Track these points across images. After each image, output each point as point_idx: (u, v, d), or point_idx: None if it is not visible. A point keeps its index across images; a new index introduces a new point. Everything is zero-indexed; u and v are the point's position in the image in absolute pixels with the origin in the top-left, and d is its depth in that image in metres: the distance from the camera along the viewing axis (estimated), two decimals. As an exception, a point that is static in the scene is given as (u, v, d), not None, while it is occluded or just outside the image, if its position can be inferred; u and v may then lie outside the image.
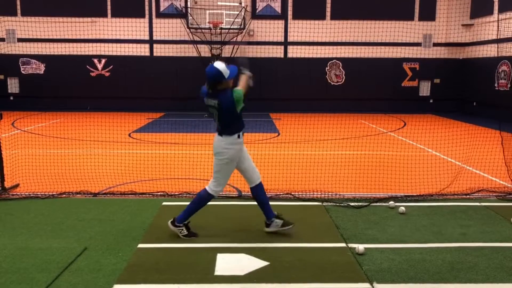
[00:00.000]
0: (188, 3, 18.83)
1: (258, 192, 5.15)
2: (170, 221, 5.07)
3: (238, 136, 4.90)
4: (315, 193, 6.80)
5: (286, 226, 5.17)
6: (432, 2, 19.69)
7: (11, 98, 19.78)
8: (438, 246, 4.91)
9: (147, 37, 19.73)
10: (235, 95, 4.76)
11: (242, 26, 18.66)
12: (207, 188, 5.02)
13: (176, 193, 6.73)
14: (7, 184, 7.10)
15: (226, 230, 5.28)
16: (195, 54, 18.88)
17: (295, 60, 19.81)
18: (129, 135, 12.89)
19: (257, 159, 8.56)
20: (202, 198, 5.03)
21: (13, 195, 6.68)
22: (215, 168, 5.00)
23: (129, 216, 5.77)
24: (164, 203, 6.29)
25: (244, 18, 18.65)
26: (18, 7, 19.33)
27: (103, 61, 19.76)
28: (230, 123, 4.88)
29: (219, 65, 4.77)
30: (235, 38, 18.85)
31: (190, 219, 5.09)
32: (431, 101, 20.43)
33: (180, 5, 19.18)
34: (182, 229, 5.02)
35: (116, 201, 6.42)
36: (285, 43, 20.02)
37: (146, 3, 19.52)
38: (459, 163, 9.10)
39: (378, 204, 6.34)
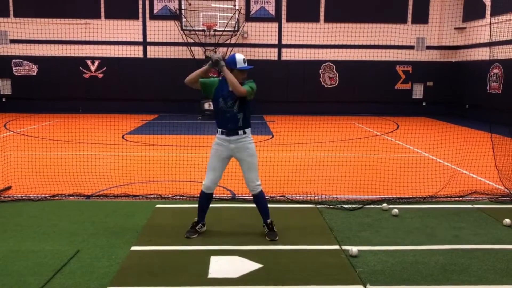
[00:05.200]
0: (182, 5, 18.81)
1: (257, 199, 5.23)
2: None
3: (219, 132, 5.03)
4: (309, 195, 6.81)
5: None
6: (425, 6, 19.81)
7: (3, 99, 19.64)
8: (431, 248, 4.93)
9: (140, 39, 19.68)
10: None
11: (236, 29, 18.67)
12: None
13: (169, 196, 6.71)
14: (-1, 186, 7.06)
15: (219, 233, 5.28)
16: (189, 56, 18.85)
17: (289, 62, 19.84)
18: (123, 137, 12.84)
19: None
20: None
21: (5, 197, 6.63)
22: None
23: (122, 219, 5.75)
24: (157, 206, 6.27)
25: (238, 21, 18.66)
26: (11, 8, 19.21)
27: (96, 62, 19.68)
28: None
29: (239, 55, 4.97)
30: (229, 40, 18.85)
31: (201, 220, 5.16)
32: (424, 103, 20.53)
33: (174, 7, 19.16)
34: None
35: (109, 204, 6.39)
36: (279, 46, 20.05)
37: (140, 5, 19.48)
38: (452, 166, 9.15)
39: (371, 206, 6.36)
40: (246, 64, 4.96)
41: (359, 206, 6.33)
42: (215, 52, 18.23)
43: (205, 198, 5.16)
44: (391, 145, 11.80)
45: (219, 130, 5.02)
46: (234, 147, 4.98)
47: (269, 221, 5.18)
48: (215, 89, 4.99)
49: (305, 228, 5.48)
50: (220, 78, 5.08)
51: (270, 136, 13.34)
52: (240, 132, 4.97)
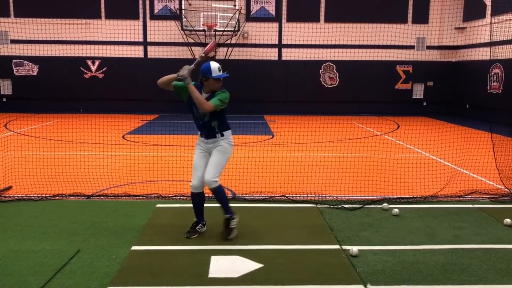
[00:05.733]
0: (182, 5, 18.82)
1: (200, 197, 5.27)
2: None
3: (199, 135, 5.17)
4: (309, 195, 6.80)
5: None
6: (425, 5, 19.81)
7: (4, 99, 19.65)
8: (431, 248, 4.93)
9: (141, 39, 19.68)
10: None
11: (236, 29, 18.67)
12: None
13: (170, 195, 6.72)
14: (0, 186, 7.06)
15: (220, 232, 5.28)
16: (189, 56, 18.85)
17: (289, 62, 19.84)
18: (123, 137, 12.85)
19: (251, 161, 8.58)
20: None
21: (5, 197, 6.63)
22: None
23: (122, 219, 5.75)
24: (158, 205, 6.27)
25: (238, 21, 18.67)
26: (11, 8, 19.22)
27: (96, 62, 19.69)
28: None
29: (214, 64, 4.94)
30: (229, 40, 18.86)
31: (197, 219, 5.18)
32: (424, 103, 20.53)
33: (174, 7, 19.17)
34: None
35: (109, 203, 6.39)
36: (279, 46, 20.05)
37: (140, 5, 19.48)
38: (452, 165, 9.15)
39: (371, 206, 6.36)
40: (221, 72, 4.92)
41: (360, 205, 6.33)
42: (216, 53, 18.25)
43: (196, 198, 5.17)
44: (392, 145, 11.80)
45: (199, 132, 5.15)
46: (212, 146, 5.07)
47: (227, 216, 5.11)
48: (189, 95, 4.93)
49: (305, 228, 5.48)
50: (197, 83, 4.99)
51: (271, 136, 13.34)
52: (218, 135, 5.03)
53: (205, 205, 5.26)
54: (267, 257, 4.63)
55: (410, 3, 19.87)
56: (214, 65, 4.91)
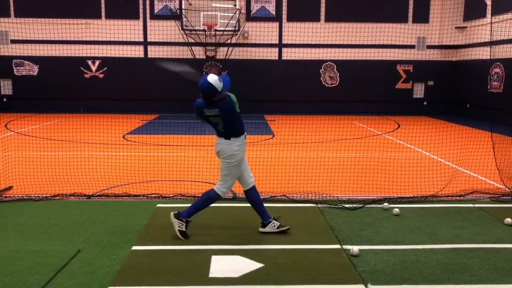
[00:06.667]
0: (183, 5, 18.81)
1: (253, 194, 5.21)
2: (173, 212, 5.11)
3: (244, 136, 5.08)
4: (309, 195, 6.80)
5: (282, 228, 5.22)
6: (426, 5, 19.79)
7: (4, 99, 19.65)
8: (432, 247, 4.93)
9: (141, 39, 19.68)
10: (232, 98, 4.91)
11: (236, 28, 18.66)
12: (215, 188, 5.10)
13: (170, 195, 6.72)
14: (0, 186, 7.06)
15: (220, 232, 5.28)
16: (189, 56, 18.85)
17: (290, 62, 19.83)
18: (123, 137, 12.85)
19: (252, 161, 8.57)
20: (210, 198, 5.13)
21: (6, 197, 6.63)
22: (224, 171, 5.07)
23: (123, 218, 5.75)
24: (158, 205, 6.28)
25: (238, 20, 18.66)
26: (11, 8, 19.22)
27: (97, 62, 19.69)
28: (235, 125, 4.99)
29: (212, 78, 4.78)
30: (230, 40, 18.85)
31: (192, 219, 5.15)
32: (425, 103, 20.52)
33: (174, 6, 19.17)
34: (182, 224, 5.05)
35: (110, 203, 6.40)
36: (280, 45, 20.04)
37: (141, 5, 19.47)
38: (453, 165, 9.14)
39: (372, 205, 6.36)
40: (221, 83, 4.83)
41: (360, 205, 6.33)
42: (216, 53, 18.29)
43: (215, 201, 5.24)
44: (392, 145, 11.79)
45: (244, 134, 5.14)
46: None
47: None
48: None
49: (306, 228, 5.48)
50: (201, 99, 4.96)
51: (271, 136, 13.34)
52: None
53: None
54: (267, 256, 4.63)
55: (411, 2, 19.85)
56: (213, 79, 4.75)
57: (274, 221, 5.25)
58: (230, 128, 4.98)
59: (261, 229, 5.26)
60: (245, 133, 5.11)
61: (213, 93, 4.78)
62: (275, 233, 5.20)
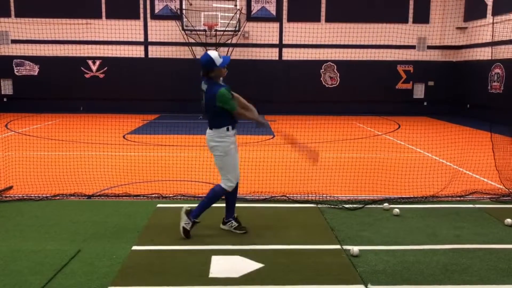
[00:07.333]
0: (183, 5, 18.81)
1: (233, 192, 5.23)
2: (187, 208, 5.08)
3: (227, 129, 4.95)
4: (310, 195, 6.80)
5: (239, 230, 5.27)
6: (426, 5, 19.79)
7: (5, 99, 19.67)
8: (432, 248, 4.92)
9: (142, 39, 19.69)
10: (218, 94, 4.84)
11: (237, 28, 18.67)
12: (221, 184, 5.08)
13: (170, 195, 6.71)
14: (0, 186, 7.06)
15: (220, 232, 5.28)
16: (190, 56, 18.86)
17: (290, 62, 19.84)
18: (124, 136, 12.85)
19: (252, 161, 8.57)
20: (217, 194, 5.10)
21: (6, 197, 6.63)
22: (217, 165, 5.07)
23: (123, 218, 5.75)
24: (158, 205, 6.27)
25: (239, 20, 18.66)
26: (12, 8, 19.23)
27: (97, 62, 19.70)
28: (214, 117, 4.96)
29: (212, 53, 4.94)
30: (230, 40, 18.86)
31: (200, 219, 5.16)
32: (425, 103, 20.52)
33: (175, 6, 19.17)
34: (189, 223, 5.04)
35: (110, 203, 6.39)
36: (280, 45, 20.05)
37: (141, 5, 19.49)
38: (453, 165, 9.14)
39: (372, 206, 6.35)
40: (222, 59, 4.91)
41: (360, 205, 6.33)
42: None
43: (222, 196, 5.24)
44: (392, 145, 11.79)
45: (227, 127, 5.03)
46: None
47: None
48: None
49: (306, 228, 5.47)
50: (203, 80, 5.02)
51: (271, 136, 13.33)
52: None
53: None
54: (267, 257, 4.62)
55: (411, 3, 19.86)
56: (213, 54, 4.91)
57: (233, 221, 5.30)
58: (210, 117, 4.99)
59: (221, 226, 5.36)
60: (230, 126, 4.94)
61: (212, 67, 4.87)
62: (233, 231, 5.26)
